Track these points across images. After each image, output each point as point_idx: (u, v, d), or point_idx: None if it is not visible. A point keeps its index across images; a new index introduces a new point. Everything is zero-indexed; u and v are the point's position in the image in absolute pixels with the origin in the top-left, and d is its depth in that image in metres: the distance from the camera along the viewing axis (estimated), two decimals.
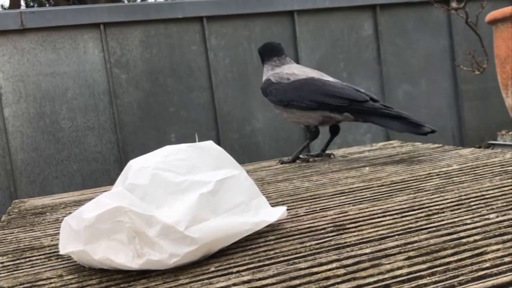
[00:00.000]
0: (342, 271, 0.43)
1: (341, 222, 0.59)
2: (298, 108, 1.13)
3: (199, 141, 0.66)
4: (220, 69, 2.86)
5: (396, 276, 0.41)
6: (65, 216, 0.55)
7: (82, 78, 2.67)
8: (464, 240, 0.48)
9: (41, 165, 2.61)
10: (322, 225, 0.59)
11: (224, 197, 0.54)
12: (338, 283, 0.41)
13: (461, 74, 3.09)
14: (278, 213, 0.59)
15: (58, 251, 0.54)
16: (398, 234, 0.52)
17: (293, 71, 1.17)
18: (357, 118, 1.10)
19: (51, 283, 0.50)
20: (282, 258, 0.49)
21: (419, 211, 0.60)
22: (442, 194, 0.67)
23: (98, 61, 2.69)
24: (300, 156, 1.20)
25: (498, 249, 0.44)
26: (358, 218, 0.60)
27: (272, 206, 0.61)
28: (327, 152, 1.23)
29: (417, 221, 0.56)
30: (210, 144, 0.61)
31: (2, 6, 8.98)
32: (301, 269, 0.45)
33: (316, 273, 0.44)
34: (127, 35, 2.74)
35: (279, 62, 1.21)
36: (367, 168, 0.97)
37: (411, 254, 0.46)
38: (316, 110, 1.11)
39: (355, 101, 1.07)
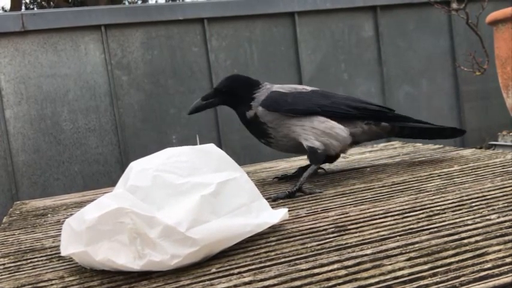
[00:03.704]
0: (343, 272, 0.43)
1: (342, 223, 0.59)
2: (334, 116, 0.88)
3: (200, 142, 0.66)
4: (221, 71, 2.86)
5: (398, 277, 0.41)
6: (66, 218, 0.55)
7: (83, 79, 2.67)
8: (465, 241, 0.48)
9: (42, 167, 2.61)
10: (323, 226, 0.59)
11: (225, 199, 0.54)
12: (339, 284, 0.41)
13: (462, 74, 3.09)
14: (279, 215, 0.59)
15: (59, 253, 0.54)
16: (399, 235, 0.52)
17: (290, 86, 0.94)
18: (393, 127, 0.94)
19: (52, 284, 0.50)
20: (283, 259, 0.49)
21: (420, 212, 0.60)
22: (443, 195, 0.67)
23: (99, 63, 2.69)
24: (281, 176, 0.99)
25: (499, 250, 0.44)
26: (359, 218, 0.60)
27: (273, 208, 0.61)
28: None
29: (418, 222, 0.56)
30: (211, 147, 0.61)
31: (2, 8, 9.00)
32: (302, 270, 0.45)
33: (318, 274, 0.44)
34: (128, 36, 2.74)
35: (265, 86, 0.94)
36: (368, 169, 0.97)
37: (412, 254, 0.46)
38: (358, 118, 0.91)
39: (378, 106, 0.94)
